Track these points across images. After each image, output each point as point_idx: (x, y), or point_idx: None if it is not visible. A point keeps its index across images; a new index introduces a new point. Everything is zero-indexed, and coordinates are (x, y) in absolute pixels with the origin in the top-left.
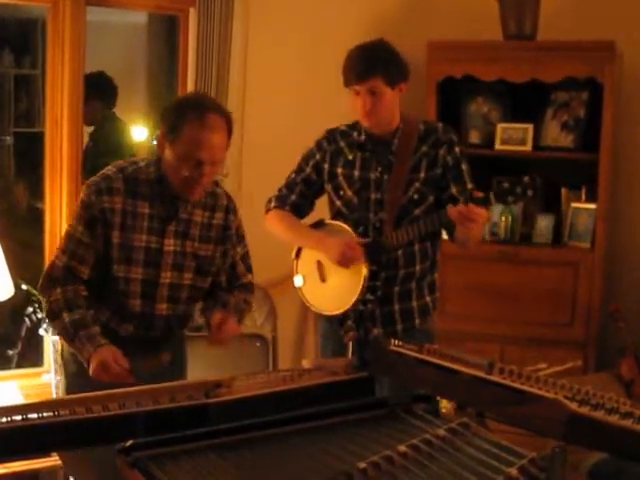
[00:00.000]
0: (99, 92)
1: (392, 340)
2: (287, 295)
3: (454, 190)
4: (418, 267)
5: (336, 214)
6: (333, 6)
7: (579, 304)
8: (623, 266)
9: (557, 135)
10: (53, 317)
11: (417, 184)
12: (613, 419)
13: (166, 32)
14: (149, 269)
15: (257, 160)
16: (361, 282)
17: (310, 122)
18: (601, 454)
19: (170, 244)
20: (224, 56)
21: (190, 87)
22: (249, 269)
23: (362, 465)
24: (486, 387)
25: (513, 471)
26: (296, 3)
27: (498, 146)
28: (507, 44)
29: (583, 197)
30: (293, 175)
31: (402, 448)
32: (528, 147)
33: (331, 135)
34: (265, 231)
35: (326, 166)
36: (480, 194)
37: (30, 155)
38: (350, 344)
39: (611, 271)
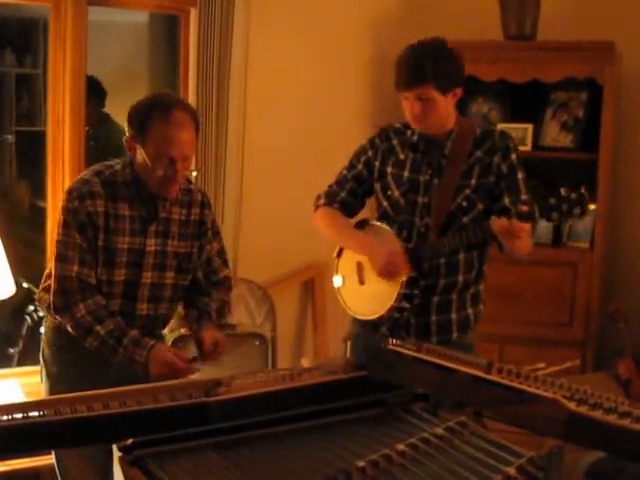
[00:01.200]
0: (89, 94)
1: (390, 339)
2: (286, 294)
3: (507, 200)
4: (461, 277)
5: (382, 215)
6: (334, 6)
7: (578, 304)
8: (622, 266)
9: (556, 135)
10: (85, 333)
11: (467, 191)
12: (611, 418)
13: (167, 32)
14: (131, 270)
15: (258, 160)
16: (397, 289)
17: (311, 121)
18: (599, 453)
19: (152, 244)
20: (225, 55)
21: (191, 86)
22: (225, 264)
23: (361, 464)
24: (485, 386)
25: (511, 470)
26: (297, 3)
27: None
28: (507, 44)
29: None
30: (344, 172)
31: (400, 447)
32: (528, 147)
33: (384, 132)
34: (263, 232)
35: (377, 164)
36: (525, 208)
37: (32, 154)
38: (348, 343)
39: (610, 271)
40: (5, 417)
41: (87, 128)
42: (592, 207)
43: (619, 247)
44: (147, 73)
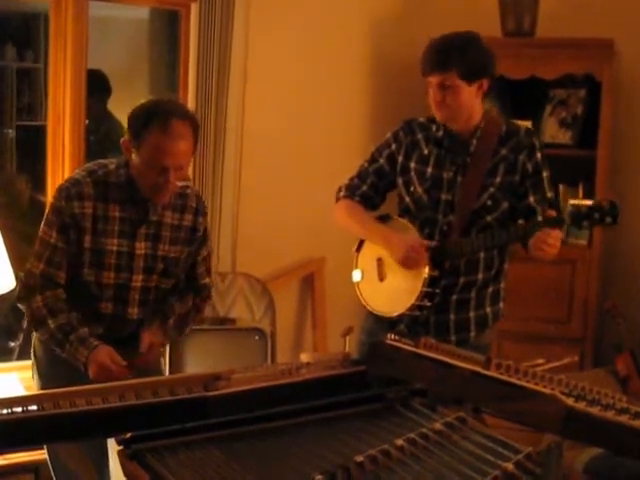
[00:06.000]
0: (93, 88)
1: (389, 335)
2: (285, 289)
3: (532, 199)
4: (480, 275)
5: (404, 211)
6: (334, 1)
7: (576, 300)
8: (620, 263)
9: (555, 132)
10: (37, 325)
11: (492, 189)
12: (609, 415)
13: (168, 27)
14: (121, 273)
15: (256, 155)
16: (419, 287)
17: (311, 116)
18: (598, 449)
19: (141, 247)
20: (225, 51)
21: (191, 82)
22: (208, 272)
23: (359, 458)
24: (483, 382)
25: (509, 466)
26: None
27: None
28: (506, 41)
29: (581, 194)
30: (366, 165)
31: (399, 442)
32: None
33: (408, 126)
34: (262, 226)
35: (400, 158)
36: (553, 213)
37: (32, 148)
38: (347, 338)
39: (608, 268)
40: (5, 411)
41: (87, 121)
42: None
43: (617, 244)
44: (147, 69)
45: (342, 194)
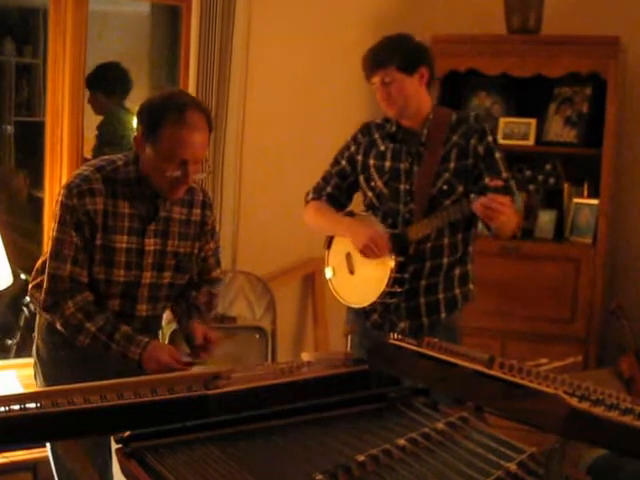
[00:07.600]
0: (112, 83)
1: (391, 334)
2: (286, 288)
3: (487, 180)
4: (445, 260)
5: (367, 206)
6: None
7: (580, 300)
8: (625, 262)
9: (560, 130)
10: (76, 331)
11: (446, 175)
12: (613, 415)
13: (169, 22)
14: (131, 271)
15: (258, 152)
16: (387, 274)
17: (311, 113)
18: (601, 450)
19: (151, 244)
20: (226, 46)
21: (192, 78)
22: (218, 263)
23: (361, 458)
24: (486, 381)
25: (512, 466)
26: None
27: (500, 140)
28: (511, 38)
29: (585, 192)
30: (329, 168)
31: (401, 441)
32: (531, 142)
33: (366, 128)
34: (263, 225)
35: (359, 157)
36: (499, 183)
37: (30, 144)
38: (349, 337)
39: (613, 267)
40: (2, 408)
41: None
42: (595, 202)
43: (622, 243)
44: (148, 64)
45: (310, 197)
